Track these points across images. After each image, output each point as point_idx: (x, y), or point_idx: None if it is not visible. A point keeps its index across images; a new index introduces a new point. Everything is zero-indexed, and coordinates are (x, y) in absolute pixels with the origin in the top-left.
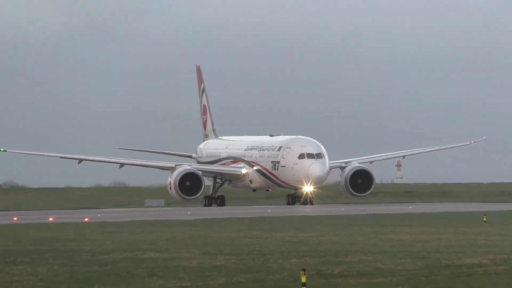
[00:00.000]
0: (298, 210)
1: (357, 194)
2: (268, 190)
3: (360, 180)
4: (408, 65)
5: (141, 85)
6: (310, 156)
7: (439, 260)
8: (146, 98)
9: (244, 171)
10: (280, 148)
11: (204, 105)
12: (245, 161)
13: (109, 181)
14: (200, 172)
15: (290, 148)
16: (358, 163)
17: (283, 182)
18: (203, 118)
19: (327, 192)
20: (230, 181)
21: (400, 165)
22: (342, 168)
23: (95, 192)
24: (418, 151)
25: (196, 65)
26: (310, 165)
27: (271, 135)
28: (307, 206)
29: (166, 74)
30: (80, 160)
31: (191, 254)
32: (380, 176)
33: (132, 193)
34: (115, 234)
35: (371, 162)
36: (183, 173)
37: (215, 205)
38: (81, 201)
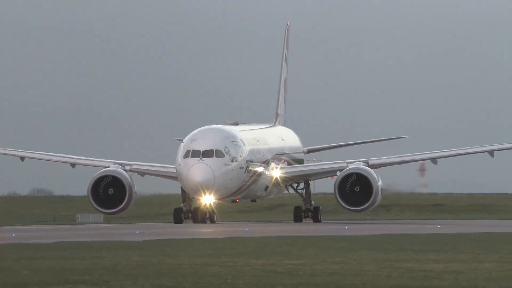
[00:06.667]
0: (286, 228)
1: (349, 207)
2: (235, 201)
3: (359, 188)
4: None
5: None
6: (195, 154)
7: None
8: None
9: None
10: None
11: (285, 79)
12: None
13: (27, 188)
14: (127, 176)
15: (183, 142)
16: (369, 164)
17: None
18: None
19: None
20: None
21: (424, 169)
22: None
23: (8, 203)
24: (461, 151)
25: (287, 24)
26: (191, 167)
27: (226, 123)
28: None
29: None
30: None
31: None
32: (396, 183)
33: (60, 205)
34: (34, 260)
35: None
36: (98, 177)
37: (189, 221)
38: None
